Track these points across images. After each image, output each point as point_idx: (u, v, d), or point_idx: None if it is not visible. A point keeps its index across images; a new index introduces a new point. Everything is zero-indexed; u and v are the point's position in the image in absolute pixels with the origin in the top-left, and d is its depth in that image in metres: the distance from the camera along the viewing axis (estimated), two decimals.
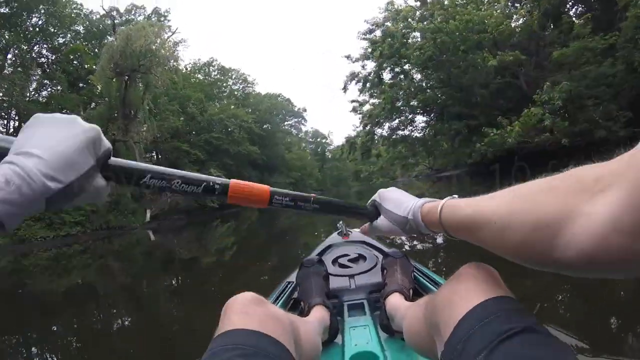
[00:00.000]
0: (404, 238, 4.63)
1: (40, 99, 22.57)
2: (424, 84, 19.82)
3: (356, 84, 22.64)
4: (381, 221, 0.79)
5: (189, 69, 37.94)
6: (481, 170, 18.63)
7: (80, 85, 24.03)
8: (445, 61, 16.99)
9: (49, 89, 23.53)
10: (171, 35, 23.72)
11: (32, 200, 0.40)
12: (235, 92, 43.34)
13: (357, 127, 24.77)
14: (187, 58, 56.00)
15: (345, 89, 23.04)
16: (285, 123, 51.81)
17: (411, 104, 20.61)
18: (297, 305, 1.27)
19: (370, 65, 21.77)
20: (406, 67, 20.03)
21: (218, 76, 41.97)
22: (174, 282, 6.06)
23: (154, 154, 28.47)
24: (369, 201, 0.84)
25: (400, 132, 21.76)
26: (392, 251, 1.37)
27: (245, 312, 0.62)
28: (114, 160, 0.53)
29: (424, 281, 1.28)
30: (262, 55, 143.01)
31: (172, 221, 22.79)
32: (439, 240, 4.71)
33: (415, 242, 4.76)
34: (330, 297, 1.25)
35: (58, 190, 0.42)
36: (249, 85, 44.13)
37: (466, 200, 0.59)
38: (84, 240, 16.44)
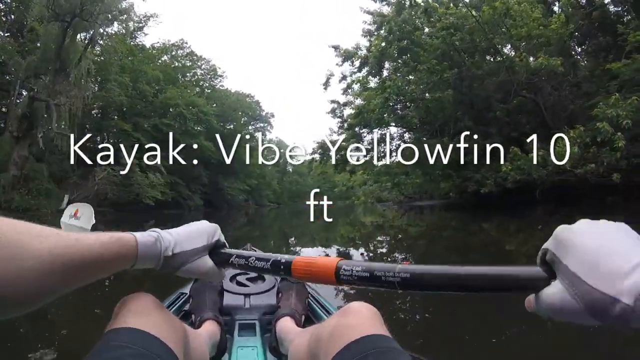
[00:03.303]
0: None
1: None
2: (424, 89, 16.36)
3: (340, 81, 19.32)
4: (554, 292, 0.40)
5: (155, 47, 34.05)
6: (469, 203, 16.27)
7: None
8: (464, 56, 14.22)
9: None
10: None
11: (157, 252, 0.61)
12: (201, 83, 39.45)
13: (334, 132, 21.06)
14: (156, 37, 51.61)
15: (327, 84, 19.44)
16: (250, 127, 48.21)
17: (403, 113, 17.34)
18: (187, 318, 1.17)
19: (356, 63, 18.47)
20: (408, 61, 16.52)
21: (186, 62, 37.98)
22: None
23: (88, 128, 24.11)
24: (542, 249, 0.43)
25: (381, 149, 18.61)
26: None
27: (140, 312, 0.61)
28: (222, 250, 0.72)
29: (318, 309, 1.27)
30: (235, 49, 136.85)
31: (95, 214, 18.63)
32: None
33: None
34: (223, 314, 1.19)
35: (172, 253, 0.63)
36: (217, 76, 40.42)
37: None
38: None
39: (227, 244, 0.74)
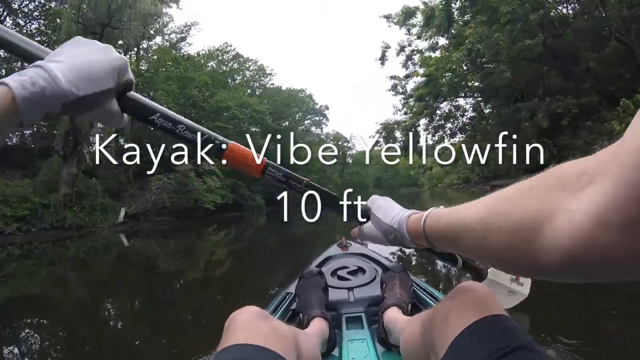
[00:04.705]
0: (406, 251, 4.70)
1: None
2: (509, 37, 13.55)
3: (398, 54, 17.44)
4: (369, 227, 0.75)
5: (201, 54, 34.11)
6: None
7: None
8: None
9: None
10: None
11: (51, 101, 0.44)
12: (251, 83, 39.08)
13: (398, 109, 19.11)
14: (201, 44, 52.75)
15: (383, 58, 17.77)
16: (305, 122, 47.31)
17: (488, 70, 14.75)
18: (295, 317, 1.23)
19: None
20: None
21: (233, 65, 37.74)
22: (150, 301, 4.83)
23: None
24: (362, 204, 0.78)
25: (450, 125, 16.45)
26: (391, 265, 1.37)
27: (249, 326, 0.62)
28: (132, 94, 0.59)
29: (423, 296, 1.26)
30: (280, 45, 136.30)
31: (154, 224, 18.43)
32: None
33: (415, 257, 4.62)
34: (329, 309, 1.21)
35: (74, 98, 0.47)
36: (267, 75, 39.82)
37: (450, 209, 0.54)
38: (24, 242, 12.94)
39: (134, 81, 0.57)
